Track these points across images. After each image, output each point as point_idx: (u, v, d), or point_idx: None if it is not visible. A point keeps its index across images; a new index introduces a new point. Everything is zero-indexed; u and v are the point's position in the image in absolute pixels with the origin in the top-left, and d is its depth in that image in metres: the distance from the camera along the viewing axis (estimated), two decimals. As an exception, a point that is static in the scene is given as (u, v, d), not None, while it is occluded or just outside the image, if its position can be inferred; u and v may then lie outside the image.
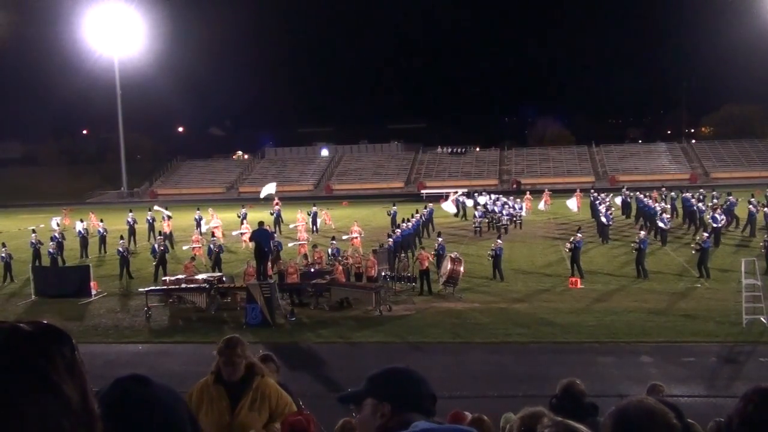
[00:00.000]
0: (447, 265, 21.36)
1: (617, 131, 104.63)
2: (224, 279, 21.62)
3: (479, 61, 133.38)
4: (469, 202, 40.32)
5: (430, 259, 22.19)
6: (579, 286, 21.79)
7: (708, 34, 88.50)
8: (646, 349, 15.59)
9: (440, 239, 24.59)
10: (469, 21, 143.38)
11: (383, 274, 21.69)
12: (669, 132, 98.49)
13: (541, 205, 42.54)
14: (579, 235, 23.66)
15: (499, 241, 24.25)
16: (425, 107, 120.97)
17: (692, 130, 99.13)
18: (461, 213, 41.09)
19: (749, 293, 17.11)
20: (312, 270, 21.70)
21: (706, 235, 23.32)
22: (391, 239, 24.69)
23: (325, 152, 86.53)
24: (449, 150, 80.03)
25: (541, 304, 19.94)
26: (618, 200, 38.79)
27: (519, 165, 74.57)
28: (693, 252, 23.50)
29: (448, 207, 40.01)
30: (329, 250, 23.77)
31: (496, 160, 76.64)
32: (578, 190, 41.79)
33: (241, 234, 31.35)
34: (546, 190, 45.72)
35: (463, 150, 79.55)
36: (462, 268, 21.39)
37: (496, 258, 23.26)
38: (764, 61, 72.48)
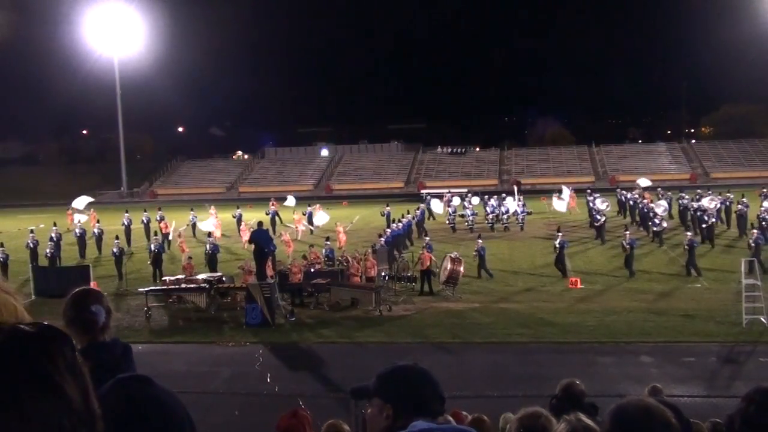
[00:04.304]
0: (447, 265, 21.37)
1: (617, 131, 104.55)
2: (224, 279, 21.63)
3: (479, 61, 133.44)
4: (475, 200, 39.90)
5: (433, 259, 22.22)
6: (579, 286, 21.81)
7: (707, 35, 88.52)
8: (646, 349, 15.61)
9: (427, 238, 25.58)
10: (469, 21, 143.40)
11: (383, 274, 21.73)
12: (669, 132, 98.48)
13: (562, 207, 40.49)
14: (560, 234, 24.05)
15: (479, 241, 24.49)
16: (425, 107, 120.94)
17: (692, 130, 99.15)
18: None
19: (749, 293, 17.12)
20: (312, 270, 21.70)
21: (689, 234, 23.59)
22: (382, 239, 24.80)
23: (325, 152, 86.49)
24: (449, 150, 79.98)
25: (541, 304, 19.95)
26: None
27: (519, 165, 74.55)
28: (684, 250, 23.52)
29: (436, 206, 39.73)
30: (323, 251, 23.80)
31: (496, 160, 76.63)
32: (572, 191, 41.62)
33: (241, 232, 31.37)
34: (568, 190, 42.86)
35: (463, 150, 79.52)
36: (462, 268, 21.41)
37: (481, 258, 23.40)
38: (764, 61, 72.49)
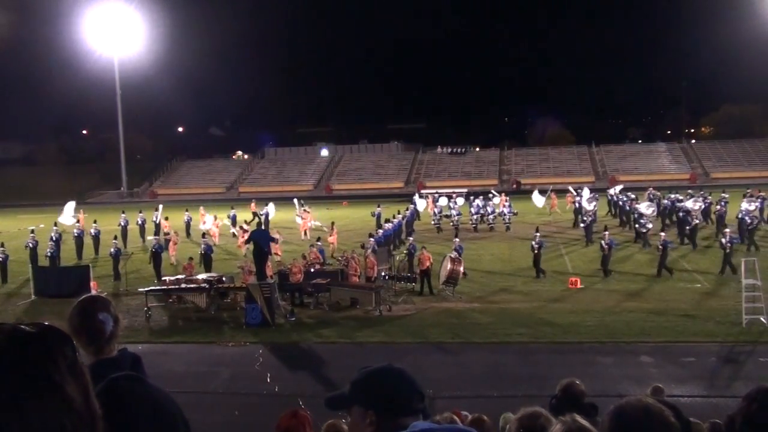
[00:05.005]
0: (447, 266, 21.39)
1: (617, 131, 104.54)
2: (224, 279, 21.63)
3: (479, 61, 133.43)
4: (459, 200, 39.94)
5: (431, 259, 22.23)
6: (579, 286, 21.82)
7: (707, 34, 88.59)
8: (646, 349, 15.60)
9: (410, 238, 25.79)
10: (469, 21, 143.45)
11: (383, 274, 21.72)
12: (669, 132, 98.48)
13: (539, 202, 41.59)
14: (538, 234, 24.11)
15: (456, 240, 24.74)
16: (425, 107, 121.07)
17: (692, 130, 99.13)
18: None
19: (749, 293, 17.13)
20: (312, 270, 21.70)
21: (663, 234, 23.65)
22: (372, 239, 24.87)
23: (325, 152, 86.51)
24: (449, 150, 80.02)
25: (541, 304, 19.95)
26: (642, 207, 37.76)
27: (519, 165, 74.57)
28: (658, 250, 23.52)
29: (420, 204, 39.90)
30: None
31: (496, 160, 76.64)
32: (551, 191, 41.73)
33: (240, 231, 31.34)
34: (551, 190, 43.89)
35: (463, 150, 79.55)
36: (462, 268, 21.42)
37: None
38: (764, 61, 72.48)
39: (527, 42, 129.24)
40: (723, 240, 23.04)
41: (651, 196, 35.39)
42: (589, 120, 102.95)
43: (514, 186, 66.03)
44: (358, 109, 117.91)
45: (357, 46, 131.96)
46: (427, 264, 21.61)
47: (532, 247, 23.66)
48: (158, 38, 76.35)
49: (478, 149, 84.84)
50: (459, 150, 79.32)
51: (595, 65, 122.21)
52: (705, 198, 32.96)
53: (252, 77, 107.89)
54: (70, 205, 37.77)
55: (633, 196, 36.06)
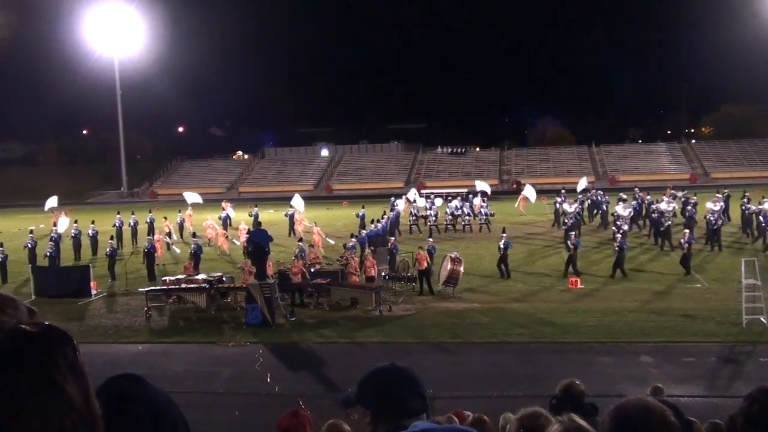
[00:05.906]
0: (447, 265, 21.40)
1: (617, 131, 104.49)
2: (224, 279, 21.64)
3: (479, 61, 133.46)
4: (437, 201, 39.88)
5: (428, 259, 22.22)
6: (579, 286, 21.82)
7: (707, 35, 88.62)
8: (646, 349, 15.60)
9: (392, 239, 26.08)
10: (469, 21, 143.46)
11: (383, 274, 21.72)
12: (669, 132, 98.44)
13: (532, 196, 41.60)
14: (504, 235, 24.17)
15: (430, 239, 24.96)
16: (425, 107, 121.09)
17: (692, 131, 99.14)
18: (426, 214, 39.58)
19: (749, 293, 17.13)
20: (312, 270, 21.69)
21: (619, 236, 23.71)
22: (354, 239, 24.91)
23: (325, 152, 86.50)
24: (449, 150, 80.00)
25: (541, 304, 19.95)
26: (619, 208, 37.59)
27: (519, 165, 74.56)
28: (614, 251, 23.55)
29: (400, 205, 39.99)
30: (295, 251, 23.63)
31: (496, 160, 76.64)
32: (522, 193, 41.81)
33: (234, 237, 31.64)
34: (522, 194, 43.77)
35: (463, 150, 79.54)
36: (462, 268, 21.42)
37: (430, 256, 23.52)
38: (764, 61, 72.55)
39: (527, 42, 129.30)
40: (681, 240, 23.26)
41: (636, 196, 35.44)
42: (589, 120, 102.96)
43: (514, 186, 65.98)
44: (358, 109, 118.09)
45: (357, 46, 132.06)
46: (425, 264, 21.62)
47: (499, 248, 23.72)
48: (158, 38, 76.48)
49: (478, 149, 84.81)
50: (459, 150, 79.30)
51: (594, 65, 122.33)
52: (688, 199, 32.89)
53: (252, 77, 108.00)
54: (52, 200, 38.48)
55: (625, 196, 36.05)
